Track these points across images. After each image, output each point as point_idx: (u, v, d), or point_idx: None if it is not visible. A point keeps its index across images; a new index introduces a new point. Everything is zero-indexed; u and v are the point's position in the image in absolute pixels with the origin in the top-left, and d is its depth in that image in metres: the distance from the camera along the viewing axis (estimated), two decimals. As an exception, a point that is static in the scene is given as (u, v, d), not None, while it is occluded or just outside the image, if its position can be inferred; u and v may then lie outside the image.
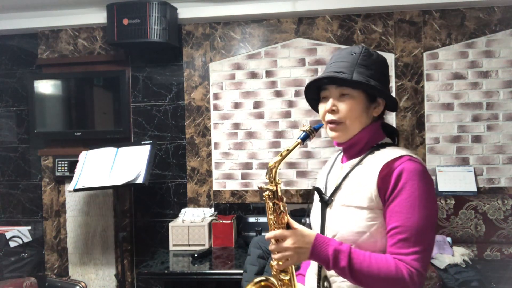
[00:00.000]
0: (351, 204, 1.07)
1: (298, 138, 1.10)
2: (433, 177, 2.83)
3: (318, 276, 1.12)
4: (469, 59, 2.82)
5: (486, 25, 2.79)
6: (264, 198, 1.09)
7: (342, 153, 1.24)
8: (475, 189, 2.74)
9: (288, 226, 1.05)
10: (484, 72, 2.81)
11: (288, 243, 1.01)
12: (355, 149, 1.14)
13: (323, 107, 1.14)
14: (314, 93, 1.20)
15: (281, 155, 1.08)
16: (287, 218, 1.06)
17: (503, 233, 2.58)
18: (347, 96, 1.10)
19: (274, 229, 1.06)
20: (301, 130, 1.11)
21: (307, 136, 1.10)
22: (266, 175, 1.09)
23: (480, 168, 2.82)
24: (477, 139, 2.82)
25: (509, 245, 2.57)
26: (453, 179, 2.78)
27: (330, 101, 1.12)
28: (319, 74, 1.19)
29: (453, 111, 2.84)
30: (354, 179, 1.10)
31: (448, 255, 2.36)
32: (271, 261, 1.07)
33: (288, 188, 2.96)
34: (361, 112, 1.11)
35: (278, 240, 1.03)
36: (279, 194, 1.07)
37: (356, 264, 0.97)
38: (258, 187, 1.11)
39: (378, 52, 1.18)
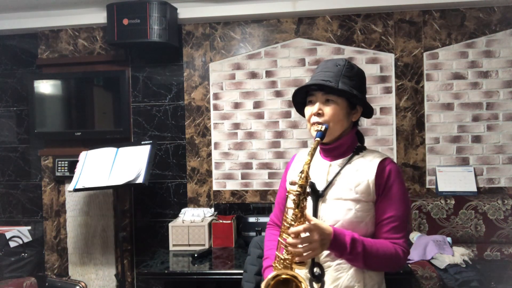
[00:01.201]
0: (349, 197, 1.23)
1: (316, 138, 1.22)
2: (433, 177, 2.84)
3: (311, 263, 1.23)
4: (469, 59, 2.82)
5: (486, 25, 2.80)
6: (288, 193, 1.18)
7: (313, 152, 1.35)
8: (475, 189, 2.74)
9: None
10: (484, 72, 2.81)
11: (314, 236, 1.11)
12: (340, 150, 1.31)
13: (309, 110, 1.29)
14: (301, 97, 1.36)
15: (310, 154, 1.17)
16: (306, 213, 1.16)
17: (503, 233, 2.58)
18: (331, 102, 1.26)
19: (298, 224, 1.13)
20: (315, 130, 1.24)
21: (323, 134, 1.23)
22: (299, 174, 1.15)
23: (480, 168, 2.82)
24: (477, 139, 2.82)
25: (509, 245, 2.57)
26: (453, 179, 2.78)
27: (317, 105, 1.27)
28: (309, 80, 1.31)
29: (453, 111, 2.84)
30: (347, 176, 1.26)
31: (448, 255, 2.36)
32: (284, 255, 1.15)
33: (288, 188, 2.96)
34: (343, 117, 1.27)
35: (296, 234, 1.10)
36: (307, 190, 1.17)
37: (368, 249, 1.16)
38: (290, 182, 1.18)
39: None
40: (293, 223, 1.14)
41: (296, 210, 1.13)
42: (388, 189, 1.22)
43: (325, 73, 1.26)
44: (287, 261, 1.15)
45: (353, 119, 1.31)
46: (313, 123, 1.27)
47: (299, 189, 1.14)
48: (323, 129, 1.22)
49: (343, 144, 1.30)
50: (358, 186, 1.23)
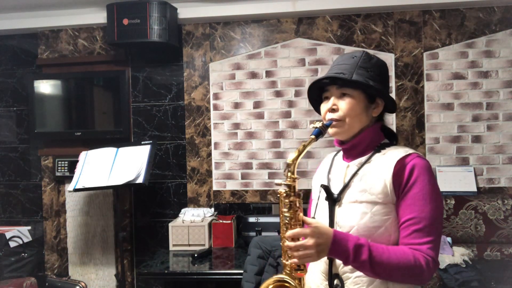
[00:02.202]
0: (365, 200, 1.10)
1: (311, 135, 1.12)
2: (433, 177, 2.83)
3: (329, 274, 1.14)
4: (469, 59, 2.82)
5: (486, 25, 2.79)
6: (278, 195, 1.10)
7: (339, 153, 1.29)
8: (475, 189, 2.74)
9: (302, 223, 1.07)
10: (484, 72, 2.81)
11: (309, 241, 1.01)
12: (358, 149, 1.19)
13: (325, 106, 1.20)
14: (316, 94, 1.25)
15: (298, 150, 1.09)
16: (302, 215, 1.07)
17: (503, 233, 2.58)
18: (347, 95, 1.15)
19: (291, 227, 1.06)
20: (313, 127, 1.14)
21: (320, 132, 1.12)
22: (284, 172, 1.10)
23: (480, 168, 2.82)
24: (477, 139, 2.82)
25: (509, 245, 2.57)
26: (453, 179, 2.78)
27: (331, 100, 1.17)
28: (320, 75, 1.22)
29: (453, 111, 2.84)
30: (364, 177, 1.13)
31: (448, 255, 2.36)
32: (283, 260, 1.09)
33: (288, 188, 2.96)
34: (361, 111, 1.16)
35: (295, 238, 1.03)
36: (297, 190, 1.09)
37: (377, 257, 1.01)
38: (276, 183, 1.09)
39: (379, 52, 1.21)
40: (288, 226, 1.07)
41: (289, 212, 1.06)
42: (409, 187, 1.07)
43: (339, 66, 1.17)
44: (288, 267, 1.08)
45: (374, 114, 1.19)
46: (329, 120, 1.17)
47: (287, 189, 1.07)
48: (319, 126, 1.12)
49: (361, 142, 1.18)
50: (374, 186, 1.10)
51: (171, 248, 2.70)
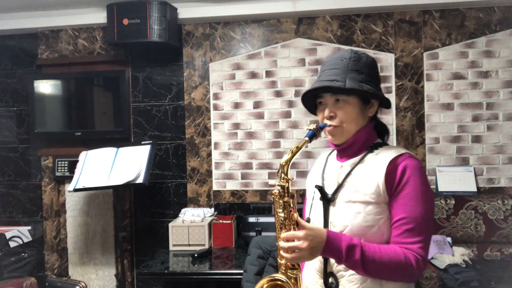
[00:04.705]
0: (358, 200, 1.12)
1: (305, 136, 1.15)
2: (433, 177, 2.83)
3: (324, 272, 1.16)
4: (469, 59, 2.82)
5: (486, 25, 2.79)
6: (273, 196, 1.13)
7: (333, 153, 1.31)
8: (475, 189, 2.74)
9: (297, 223, 1.10)
10: (484, 72, 2.81)
11: (303, 244, 1.04)
12: (353, 149, 1.20)
13: (321, 113, 1.21)
14: (311, 99, 1.26)
15: (291, 152, 1.12)
16: (296, 215, 1.10)
17: (503, 233, 2.58)
18: (342, 101, 1.16)
19: (285, 227, 1.10)
20: (307, 129, 1.16)
21: (314, 134, 1.15)
22: (277, 173, 1.13)
23: (480, 168, 2.82)
24: (477, 139, 2.82)
25: (509, 245, 2.57)
26: (453, 179, 2.78)
27: (327, 109, 1.18)
28: (315, 80, 1.22)
29: (453, 111, 2.84)
30: (358, 177, 1.15)
31: (448, 255, 2.36)
32: (279, 260, 1.13)
33: (288, 188, 2.96)
34: (357, 115, 1.18)
35: (289, 239, 1.07)
36: (290, 190, 1.12)
37: (369, 256, 1.04)
38: (270, 185, 1.14)
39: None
40: (283, 226, 1.11)
41: (283, 212, 1.11)
42: (401, 187, 1.09)
43: (330, 71, 1.18)
44: (283, 266, 1.13)
45: (370, 114, 1.20)
46: (328, 127, 1.19)
47: (280, 190, 1.12)
48: (312, 128, 1.15)
49: (356, 142, 1.19)
50: (368, 187, 1.12)
51: (171, 248, 2.70)
